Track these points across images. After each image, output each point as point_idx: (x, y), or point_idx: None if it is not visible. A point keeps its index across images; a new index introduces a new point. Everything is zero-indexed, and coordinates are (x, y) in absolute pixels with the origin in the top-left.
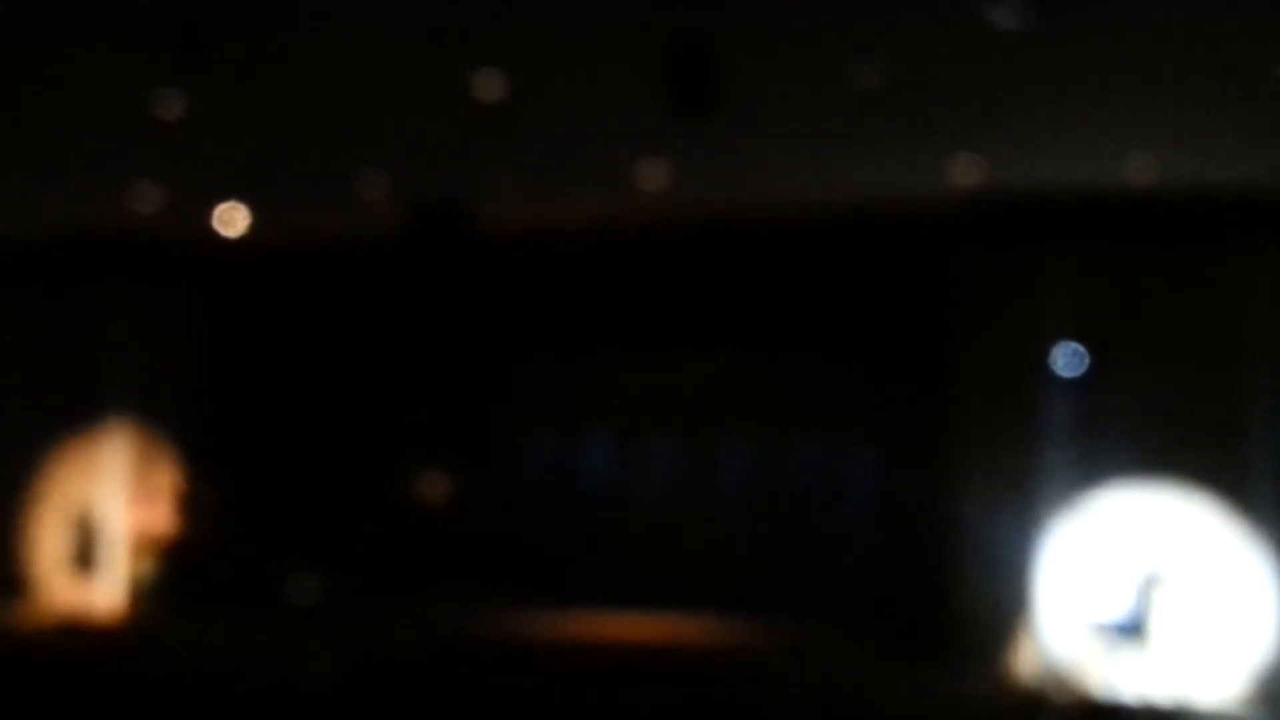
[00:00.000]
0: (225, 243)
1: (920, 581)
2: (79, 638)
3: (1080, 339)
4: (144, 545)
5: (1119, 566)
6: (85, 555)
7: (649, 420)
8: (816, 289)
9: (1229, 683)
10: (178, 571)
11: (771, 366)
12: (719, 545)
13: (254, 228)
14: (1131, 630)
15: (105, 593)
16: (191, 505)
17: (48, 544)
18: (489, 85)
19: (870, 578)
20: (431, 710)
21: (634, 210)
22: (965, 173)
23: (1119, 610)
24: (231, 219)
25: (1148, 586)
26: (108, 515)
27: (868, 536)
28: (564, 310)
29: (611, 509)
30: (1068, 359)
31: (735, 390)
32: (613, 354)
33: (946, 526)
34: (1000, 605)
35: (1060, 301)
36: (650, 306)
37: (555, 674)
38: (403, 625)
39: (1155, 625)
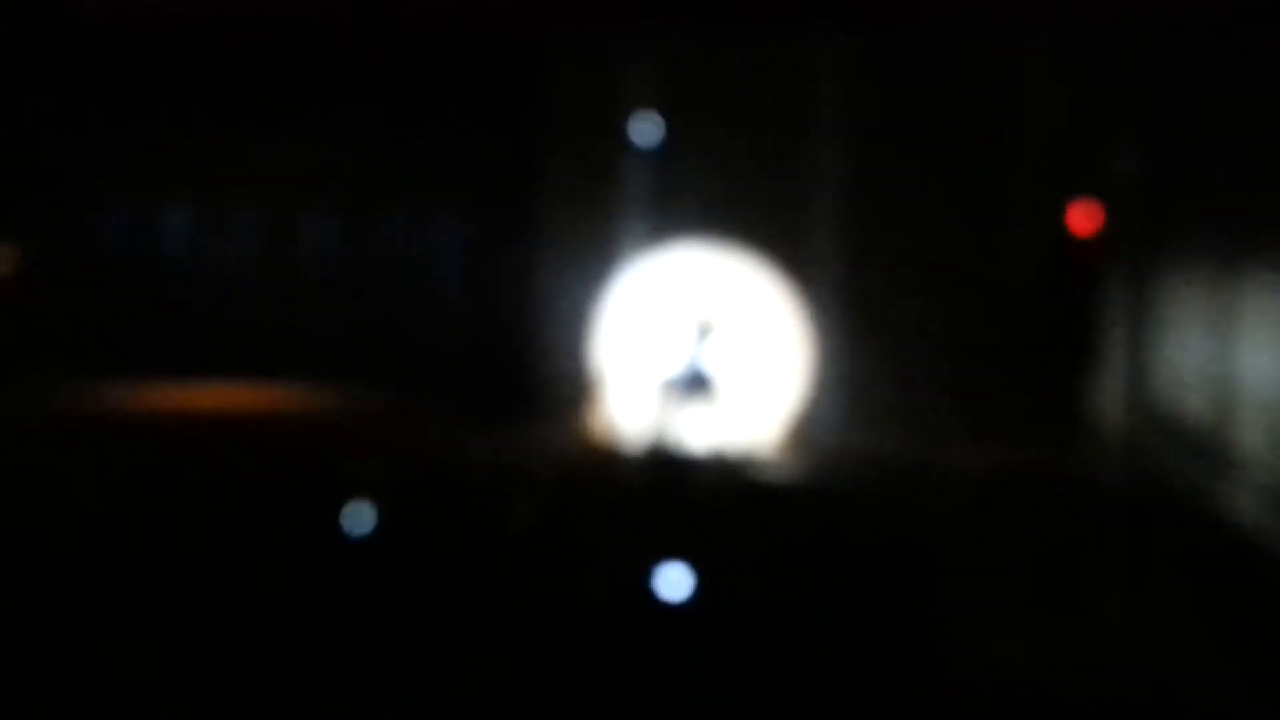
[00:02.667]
0: None
1: (504, 348)
2: None
3: (657, 109)
4: None
5: (687, 326)
6: None
7: (230, 190)
8: (398, 59)
9: (778, 431)
10: None
11: (354, 136)
12: (305, 315)
13: None
14: (698, 385)
15: None
16: None
17: None
18: None
19: (455, 345)
20: (20, 487)
21: None
22: None
23: (687, 367)
24: None
25: (711, 343)
26: None
27: (451, 304)
28: (139, 75)
29: (195, 280)
30: (644, 129)
31: (318, 159)
32: (191, 121)
33: (528, 294)
34: (579, 368)
35: (638, 72)
36: (229, 70)
37: (145, 445)
38: None
39: (719, 380)
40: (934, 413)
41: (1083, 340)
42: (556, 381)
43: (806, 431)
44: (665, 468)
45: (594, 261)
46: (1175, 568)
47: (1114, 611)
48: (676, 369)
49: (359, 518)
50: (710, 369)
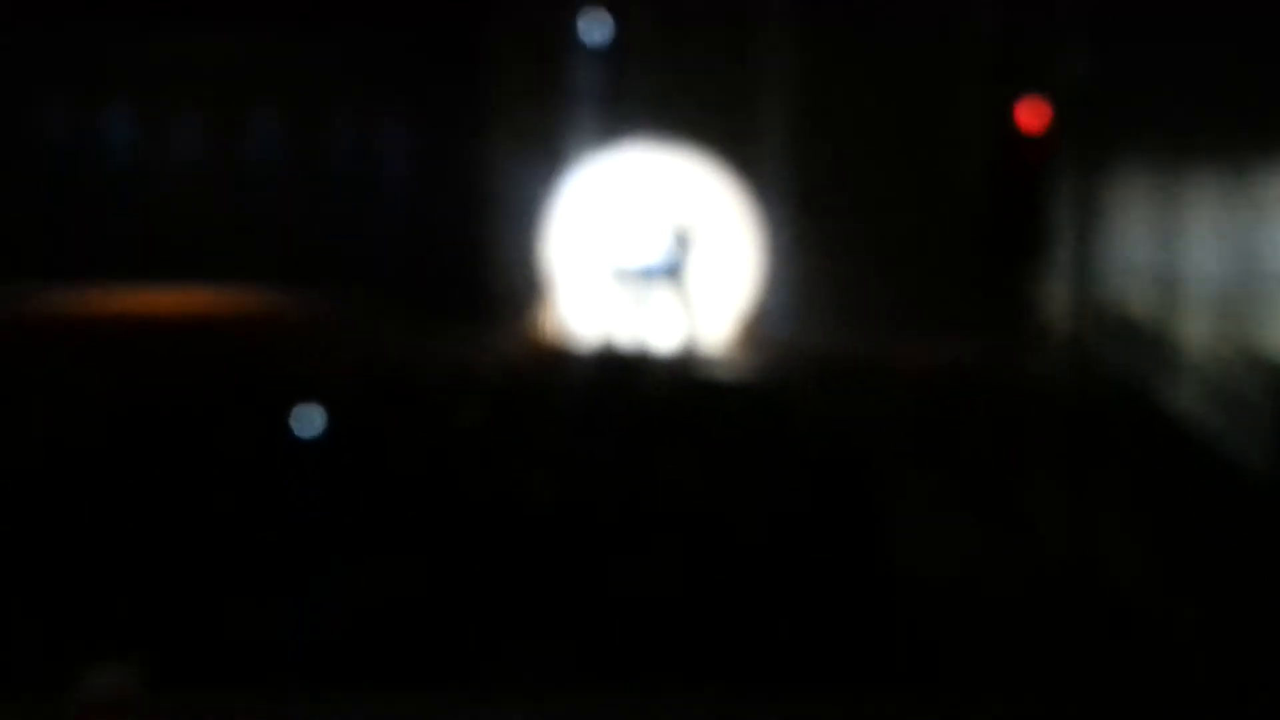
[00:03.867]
0: None
1: (455, 246)
2: None
3: (606, 6)
4: None
5: (638, 224)
6: None
7: (175, 91)
8: None
9: (728, 329)
10: None
11: (300, 35)
12: (253, 217)
13: None
14: (647, 284)
15: None
16: None
17: None
18: None
19: (406, 244)
20: None
21: None
22: None
23: (639, 264)
24: None
25: (661, 244)
26: None
27: (402, 204)
28: None
29: (141, 182)
30: (593, 28)
31: (263, 59)
32: (133, 22)
33: (479, 191)
34: (531, 266)
35: None
36: None
37: (92, 349)
38: None
39: (668, 279)
40: (883, 309)
41: (1030, 237)
42: (508, 282)
43: (756, 329)
44: (615, 366)
45: (544, 162)
46: (1119, 463)
47: (1056, 505)
48: (625, 269)
49: (308, 420)
50: (659, 269)
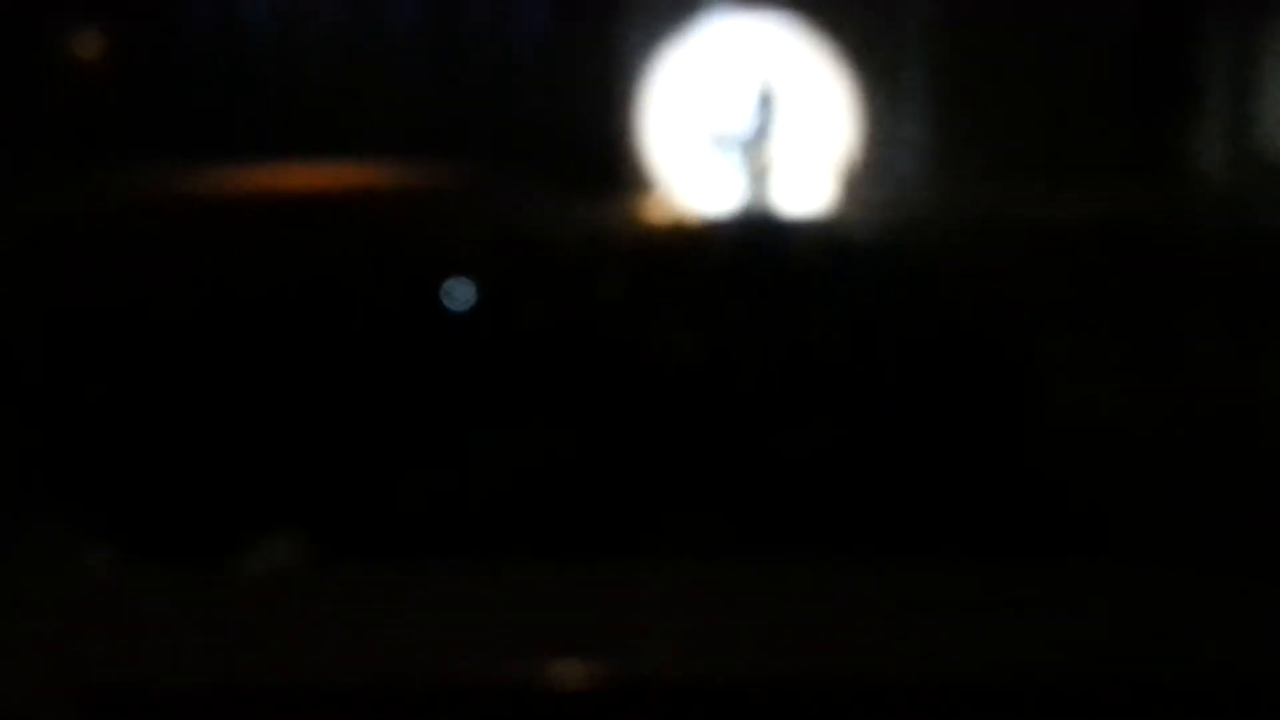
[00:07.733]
0: None
1: (587, 114)
2: None
3: None
4: None
5: (763, 89)
6: None
7: None
8: None
9: (867, 190)
10: None
11: None
12: (389, 88)
13: None
14: (778, 147)
15: None
16: None
17: None
18: None
19: (539, 116)
20: (116, 271)
21: None
22: None
23: (767, 129)
24: None
25: (790, 105)
26: None
27: (535, 74)
28: None
29: (278, 55)
30: None
31: None
32: None
33: (613, 60)
34: (662, 132)
35: None
36: None
37: (239, 226)
38: (69, 189)
39: (802, 141)
40: (1029, 163)
41: (1178, 82)
42: (639, 147)
43: (895, 189)
44: (755, 230)
45: (671, 23)
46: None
47: (1217, 360)
48: (757, 132)
49: (458, 294)
50: (792, 131)
